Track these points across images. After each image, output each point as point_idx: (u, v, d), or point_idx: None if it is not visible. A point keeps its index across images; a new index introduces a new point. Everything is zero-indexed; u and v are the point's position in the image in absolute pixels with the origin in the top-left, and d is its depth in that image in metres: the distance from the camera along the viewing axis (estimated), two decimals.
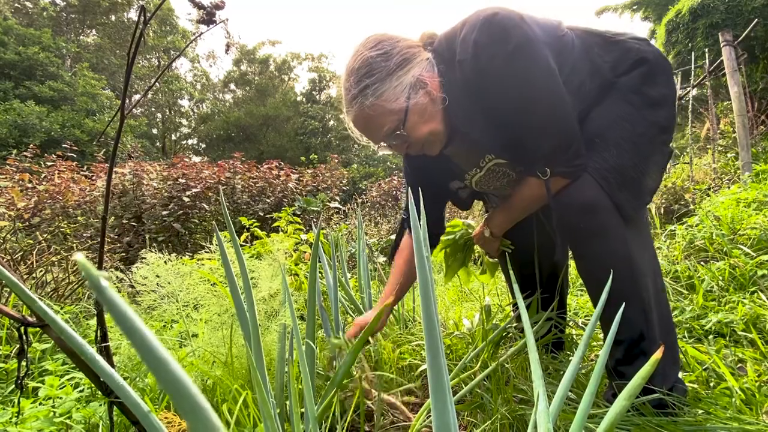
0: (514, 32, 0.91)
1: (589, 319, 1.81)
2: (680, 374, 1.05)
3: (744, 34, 4.75)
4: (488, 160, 1.13)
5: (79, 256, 0.17)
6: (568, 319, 1.60)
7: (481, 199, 1.44)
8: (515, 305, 1.56)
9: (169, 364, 0.19)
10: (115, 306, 0.18)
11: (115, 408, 0.78)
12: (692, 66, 5.54)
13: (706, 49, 5.43)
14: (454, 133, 1.05)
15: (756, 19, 4.89)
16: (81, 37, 25.68)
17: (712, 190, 3.78)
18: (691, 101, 5.30)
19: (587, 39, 1.03)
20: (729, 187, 3.44)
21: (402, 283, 1.28)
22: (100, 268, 0.82)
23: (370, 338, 1.34)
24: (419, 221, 0.43)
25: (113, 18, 26.02)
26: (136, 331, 0.19)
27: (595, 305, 1.07)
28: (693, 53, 6.04)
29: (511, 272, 0.93)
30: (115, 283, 1.80)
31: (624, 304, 0.63)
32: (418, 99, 0.96)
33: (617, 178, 0.93)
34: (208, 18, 0.67)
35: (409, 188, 0.69)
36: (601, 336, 1.30)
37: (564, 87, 0.94)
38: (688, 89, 5.63)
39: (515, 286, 0.75)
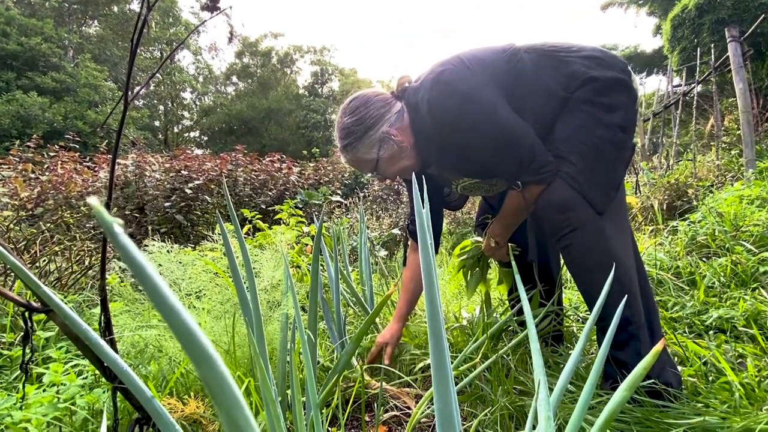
0: (459, 85, 1.09)
1: (588, 314, 1.82)
2: (679, 368, 1.06)
3: (750, 30, 4.71)
4: (462, 180, 1.31)
5: (93, 200, 0.17)
6: (567, 313, 1.62)
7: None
8: (513, 299, 1.57)
9: (180, 314, 0.20)
10: (129, 252, 0.18)
11: (118, 394, 0.79)
12: (697, 62, 5.50)
13: (712, 45, 5.38)
14: (426, 162, 1.28)
15: (763, 15, 4.84)
16: (83, 27, 25.58)
17: (715, 186, 3.77)
18: (695, 98, 5.26)
19: (540, 61, 1.15)
20: (732, 184, 3.43)
21: (410, 299, 1.48)
22: (103, 258, 0.82)
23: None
24: (422, 206, 0.43)
25: (115, 9, 25.89)
26: (149, 279, 0.19)
27: (581, 291, 1.12)
28: (698, 49, 5.99)
29: (515, 267, 0.98)
30: (117, 274, 1.81)
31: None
32: (386, 150, 1.21)
33: (585, 178, 1.06)
34: (212, 5, 0.67)
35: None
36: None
37: (516, 113, 1.10)
38: (693, 85, 5.60)
39: (517, 277, 0.76)
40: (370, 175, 1.33)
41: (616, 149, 1.10)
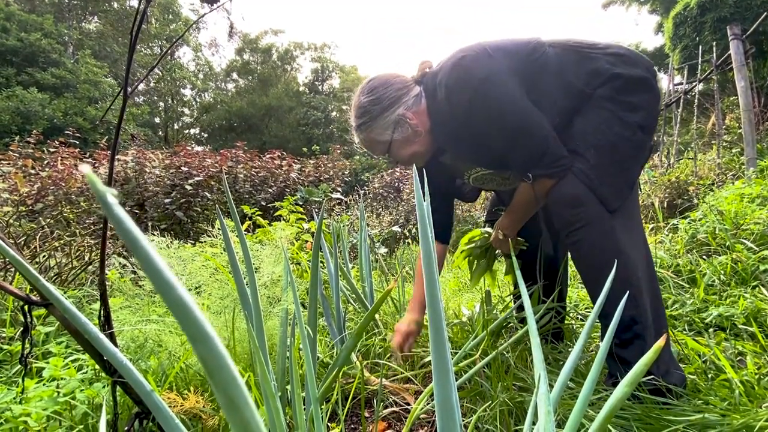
0: (477, 71, 1.08)
1: (588, 311, 1.82)
2: (680, 364, 1.06)
3: (752, 28, 4.70)
4: (476, 171, 1.30)
5: (86, 168, 0.17)
6: (568, 310, 1.62)
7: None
8: (515, 296, 1.57)
9: (176, 289, 0.19)
10: (122, 223, 0.18)
11: (118, 388, 0.79)
12: (699, 60, 5.49)
13: (714, 43, 5.36)
14: (440, 150, 1.27)
15: (765, 13, 4.82)
16: (83, 23, 25.51)
17: (715, 185, 3.77)
18: (697, 96, 5.25)
19: (564, 56, 1.14)
20: (733, 183, 3.42)
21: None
22: (103, 252, 0.82)
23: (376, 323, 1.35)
24: (423, 198, 0.43)
25: (115, 5, 25.83)
26: (142, 250, 0.19)
27: (588, 290, 1.11)
28: (700, 47, 5.98)
29: (515, 261, 0.98)
30: (117, 269, 1.81)
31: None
32: (400, 133, 1.20)
33: (598, 174, 1.04)
34: None
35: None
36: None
37: (533, 105, 1.08)
38: (695, 84, 5.58)
39: (518, 273, 0.75)
40: (382, 158, 1.33)
41: (633, 149, 1.08)
